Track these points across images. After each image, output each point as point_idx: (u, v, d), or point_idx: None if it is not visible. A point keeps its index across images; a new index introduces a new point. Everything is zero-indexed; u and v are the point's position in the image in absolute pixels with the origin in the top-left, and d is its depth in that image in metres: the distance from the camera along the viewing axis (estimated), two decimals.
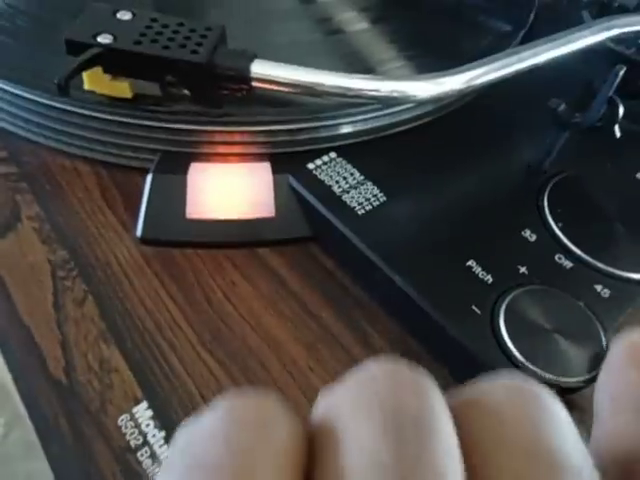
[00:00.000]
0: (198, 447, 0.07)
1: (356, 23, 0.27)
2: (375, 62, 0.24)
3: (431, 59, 0.24)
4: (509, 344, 0.16)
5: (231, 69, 0.19)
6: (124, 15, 0.19)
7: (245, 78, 0.19)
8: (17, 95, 0.22)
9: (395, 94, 0.20)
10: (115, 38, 0.18)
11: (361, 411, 0.08)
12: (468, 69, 0.21)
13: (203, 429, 0.08)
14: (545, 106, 0.21)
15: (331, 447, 0.07)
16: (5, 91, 0.22)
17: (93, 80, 0.20)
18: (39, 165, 0.23)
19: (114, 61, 0.19)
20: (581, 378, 0.16)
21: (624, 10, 0.32)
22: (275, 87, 0.20)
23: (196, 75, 0.19)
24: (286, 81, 0.19)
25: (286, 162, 0.22)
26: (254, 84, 0.19)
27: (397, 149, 0.23)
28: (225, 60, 0.19)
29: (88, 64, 0.18)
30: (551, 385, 0.16)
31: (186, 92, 0.20)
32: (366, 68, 0.24)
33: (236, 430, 0.07)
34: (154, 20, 0.19)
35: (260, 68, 0.19)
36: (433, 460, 0.07)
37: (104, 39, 0.18)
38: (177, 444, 0.08)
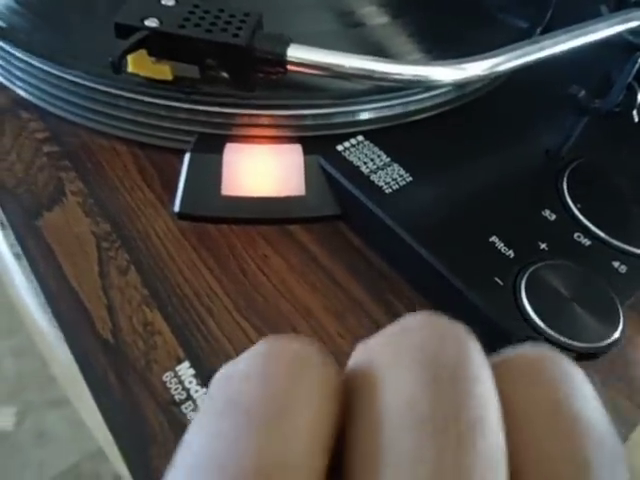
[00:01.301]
0: (235, 386, 0.07)
1: (377, 17, 0.28)
2: (395, 54, 0.25)
3: (450, 53, 0.25)
4: (530, 312, 0.17)
5: (269, 52, 0.20)
6: (168, 1, 0.21)
7: (282, 61, 0.20)
8: (59, 77, 0.23)
9: (420, 78, 0.21)
10: (161, 22, 0.20)
11: (400, 361, 0.07)
12: (490, 56, 0.22)
13: (240, 369, 0.07)
14: (564, 94, 0.22)
15: (368, 396, 0.07)
16: (48, 73, 0.23)
17: (137, 63, 0.21)
18: (80, 144, 0.24)
19: (159, 44, 0.20)
20: (598, 344, 0.17)
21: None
22: (309, 70, 0.21)
23: (235, 58, 0.20)
24: (319, 64, 0.21)
25: (316, 144, 0.23)
26: (290, 67, 0.21)
27: (422, 134, 0.24)
28: (263, 44, 0.20)
29: (137, 46, 0.19)
30: (569, 350, 0.17)
31: (224, 75, 0.21)
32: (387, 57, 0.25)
33: (274, 370, 0.07)
34: (196, 6, 0.21)
35: (296, 52, 0.20)
36: (470, 409, 0.07)
37: (151, 22, 0.19)
38: (215, 385, 0.07)
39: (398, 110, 0.24)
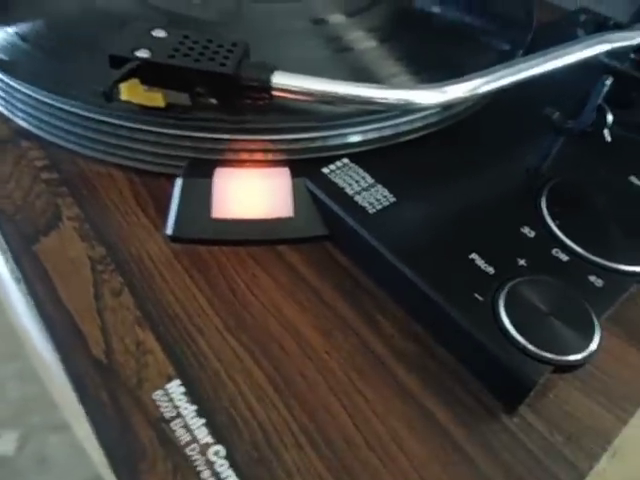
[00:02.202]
0: None
1: (364, 42, 0.29)
2: (381, 78, 0.26)
3: (434, 76, 0.26)
4: (508, 326, 0.18)
5: (254, 79, 0.21)
6: (159, 33, 0.22)
7: (266, 88, 0.21)
8: (58, 107, 0.24)
9: (402, 102, 0.22)
10: (152, 52, 0.21)
11: None
12: (470, 79, 0.23)
13: None
14: (542, 115, 0.23)
15: None
16: (47, 104, 0.24)
17: (130, 91, 0.22)
18: (77, 172, 0.25)
19: (150, 73, 0.21)
20: (574, 357, 0.17)
21: (619, 27, 0.34)
22: (293, 96, 0.22)
23: (223, 85, 0.21)
24: (303, 90, 0.22)
25: (303, 167, 0.23)
26: (274, 93, 0.22)
27: (405, 156, 0.25)
28: (249, 72, 0.21)
29: (128, 75, 0.20)
30: (547, 363, 0.17)
31: (213, 101, 0.22)
32: (372, 82, 0.26)
33: None
34: (186, 37, 0.22)
35: (280, 79, 0.21)
36: None
37: (142, 53, 0.21)
38: None
39: (383, 133, 0.25)
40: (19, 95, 0.25)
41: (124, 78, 0.20)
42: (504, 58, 0.29)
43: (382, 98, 0.22)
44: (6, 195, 0.24)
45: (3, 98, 0.27)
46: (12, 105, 0.27)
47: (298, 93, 0.22)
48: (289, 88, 0.21)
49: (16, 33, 0.27)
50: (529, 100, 0.26)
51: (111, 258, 0.22)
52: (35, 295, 0.20)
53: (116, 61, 0.20)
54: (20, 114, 0.27)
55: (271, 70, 0.21)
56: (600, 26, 0.34)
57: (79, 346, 0.19)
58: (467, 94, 0.22)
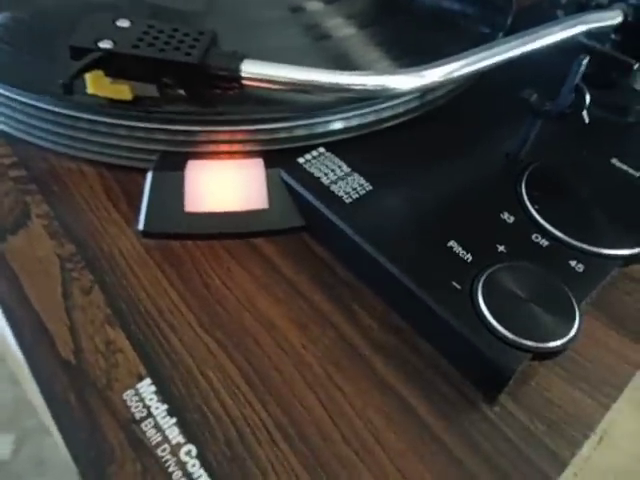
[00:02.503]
0: None
1: (343, 29, 0.28)
2: (361, 64, 0.26)
3: (415, 60, 0.26)
4: (487, 314, 0.17)
5: (222, 69, 0.20)
6: (123, 23, 0.21)
7: (236, 77, 0.21)
8: (24, 103, 0.23)
9: (378, 87, 0.21)
10: (115, 43, 0.20)
11: None
12: (447, 62, 0.22)
13: None
14: (520, 98, 0.22)
15: None
16: (13, 99, 0.24)
17: (95, 84, 0.21)
18: (47, 168, 0.25)
19: (114, 64, 0.20)
20: (554, 343, 0.17)
21: (600, 8, 0.33)
22: (264, 85, 0.21)
23: (190, 75, 0.20)
24: (274, 78, 0.21)
25: (278, 157, 0.23)
26: (244, 82, 0.21)
27: (382, 144, 0.24)
28: (217, 61, 0.20)
29: (90, 66, 0.19)
30: (525, 350, 0.17)
31: (181, 92, 0.21)
32: (352, 70, 0.25)
33: None
34: (151, 26, 0.21)
35: (250, 67, 0.21)
36: None
37: (105, 44, 0.20)
38: None
39: (359, 121, 0.24)
40: None
41: (85, 69, 0.19)
42: (484, 42, 0.28)
43: (358, 85, 0.21)
44: None
45: None
46: None
47: (269, 82, 0.21)
48: (260, 77, 0.21)
49: None
50: (509, 83, 0.25)
51: (81, 256, 0.21)
52: (2, 297, 0.20)
53: (77, 52, 0.20)
54: None
55: (240, 59, 0.21)
56: (582, 7, 0.33)
57: (46, 346, 0.18)
58: (445, 77, 0.22)
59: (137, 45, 0.20)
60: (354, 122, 0.24)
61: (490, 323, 0.17)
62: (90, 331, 0.19)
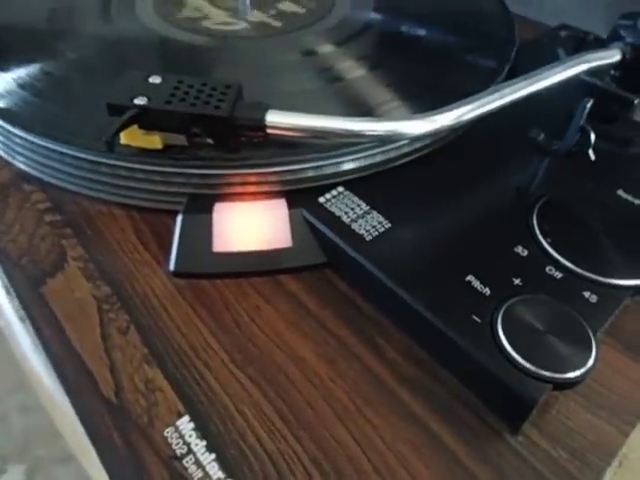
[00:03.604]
0: None
1: (354, 71, 0.30)
2: (373, 105, 0.27)
3: (425, 99, 0.27)
4: (507, 347, 0.18)
5: (249, 119, 0.22)
6: (155, 79, 0.22)
7: (261, 127, 0.22)
8: (57, 151, 0.25)
9: (393, 133, 0.23)
10: (149, 99, 0.21)
11: None
12: (457, 107, 0.24)
13: None
14: (528, 137, 0.24)
15: None
16: (47, 148, 0.25)
17: (128, 135, 0.22)
18: (80, 212, 0.26)
19: (149, 119, 0.21)
20: (573, 374, 0.18)
21: (599, 42, 0.35)
22: (287, 133, 0.22)
23: (219, 126, 0.22)
24: (296, 127, 0.22)
25: (299, 197, 0.24)
26: (269, 131, 0.22)
27: (398, 181, 0.25)
28: (243, 112, 0.22)
29: (128, 123, 0.21)
30: (547, 381, 0.18)
31: (209, 141, 0.23)
32: (365, 111, 0.27)
33: None
34: (180, 82, 0.22)
35: (273, 117, 0.22)
36: None
37: (140, 101, 0.21)
38: None
39: (375, 160, 0.25)
40: (19, 140, 0.26)
41: (125, 126, 0.20)
42: (491, 76, 0.30)
43: (372, 131, 0.23)
44: (11, 239, 0.25)
45: (3, 143, 0.28)
46: (11, 149, 0.28)
47: (291, 130, 0.22)
48: (283, 126, 0.22)
49: (13, 80, 0.28)
50: (513, 120, 0.26)
51: (116, 296, 0.22)
52: (43, 338, 0.21)
53: (114, 109, 0.21)
54: (21, 158, 0.27)
55: (265, 109, 0.22)
56: (580, 42, 0.35)
57: (89, 387, 0.19)
58: (455, 121, 0.23)
59: (170, 100, 0.21)
60: (368, 161, 0.25)
61: (511, 355, 0.18)
62: (129, 370, 0.20)
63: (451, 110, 0.23)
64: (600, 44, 0.32)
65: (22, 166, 0.27)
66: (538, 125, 0.25)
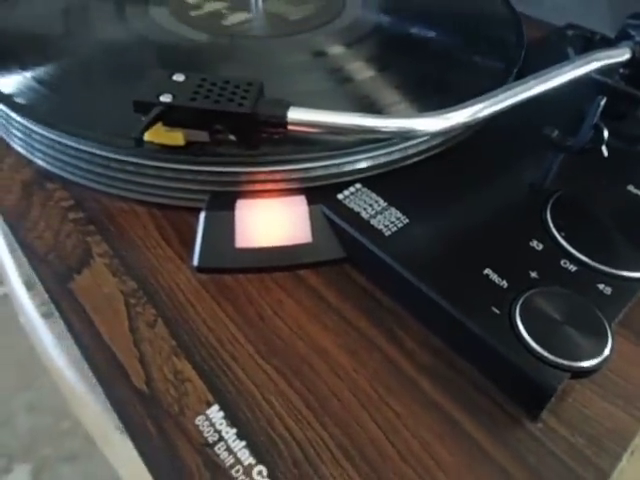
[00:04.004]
0: None
1: (364, 71, 0.30)
2: (384, 105, 0.28)
3: (435, 100, 0.28)
4: (526, 337, 0.19)
5: (271, 116, 0.22)
6: (179, 77, 0.23)
7: (283, 123, 0.23)
8: (78, 149, 0.25)
9: (407, 129, 0.23)
10: (174, 96, 0.22)
11: None
12: (470, 105, 0.24)
13: None
14: (542, 134, 0.24)
15: None
16: (68, 146, 0.26)
17: (152, 133, 0.23)
18: (102, 210, 0.27)
19: (173, 115, 0.22)
20: (590, 363, 0.18)
21: (606, 41, 0.35)
22: (308, 129, 0.23)
23: (242, 123, 0.22)
24: (316, 123, 0.23)
25: (319, 194, 0.25)
26: (290, 127, 0.23)
27: (414, 177, 0.26)
28: (266, 108, 0.22)
29: (155, 120, 0.21)
30: (566, 370, 0.18)
31: (231, 137, 0.23)
32: (376, 111, 0.27)
33: None
34: (204, 80, 0.23)
35: (294, 114, 0.23)
36: None
37: (165, 98, 0.22)
38: None
39: (392, 157, 0.26)
40: (39, 137, 0.27)
41: (152, 123, 0.21)
42: (499, 78, 0.30)
43: (389, 127, 0.23)
44: (37, 236, 0.25)
45: (24, 141, 0.28)
46: (33, 147, 0.28)
47: (311, 126, 0.23)
48: (304, 122, 0.23)
49: (33, 77, 0.28)
50: (525, 118, 0.27)
51: (143, 291, 0.23)
52: (73, 331, 0.21)
53: (141, 106, 0.22)
54: (41, 156, 0.28)
55: (286, 106, 0.23)
56: (588, 41, 0.36)
57: (120, 377, 0.20)
58: (469, 119, 0.24)
59: (194, 98, 0.22)
60: (385, 159, 0.26)
61: (530, 345, 0.19)
62: (159, 362, 0.20)
63: (465, 108, 0.24)
64: (607, 43, 0.32)
65: (43, 164, 0.28)
66: (549, 123, 0.26)
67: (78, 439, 0.87)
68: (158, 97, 0.22)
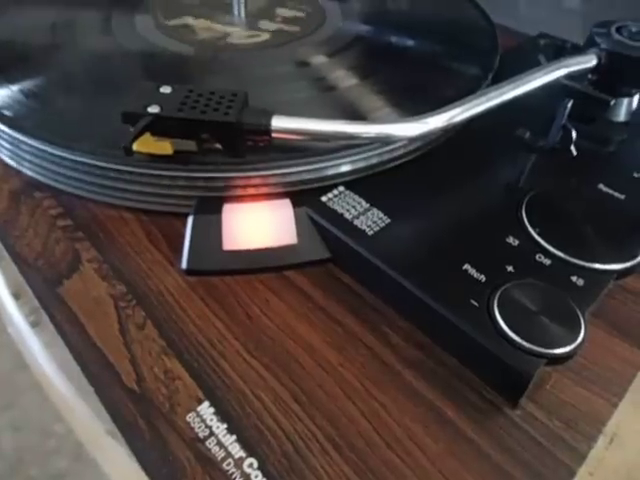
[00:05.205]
0: None
1: (346, 80, 0.31)
2: (365, 111, 0.29)
3: (414, 105, 0.29)
4: (503, 327, 0.20)
5: (256, 124, 0.23)
6: (165, 89, 0.24)
7: (267, 131, 0.23)
8: (65, 158, 0.26)
9: (387, 135, 0.24)
10: (161, 108, 0.23)
11: None
12: (447, 110, 0.25)
13: None
14: (515, 136, 0.26)
15: None
16: (55, 155, 0.26)
17: (140, 143, 0.24)
18: (90, 217, 0.27)
19: (161, 125, 0.23)
20: (565, 349, 0.19)
21: (576, 49, 0.37)
22: (291, 136, 0.24)
23: (228, 132, 0.23)
24: (299, 130, 0.24)
25: (303, 197, 0.26)
26: (274, 135, 0.24)
27: (395, 180, 0.27)
28: (250, 117, 0.23)
29: (144, 130, 0.22)
30: (541, 356, 0.19)
31: (218, 146, 0.24)
32: (358, 118, 0.28)
33: None
34: (190, 91, 0.24)
35: (278, 122, 0.24)
36: None
37: (153, 109, 0.23)
38: None
39: (372, 161, 0.27)
40: (26, 147, 0.27)
41: (141, 133, 0.22)
42: (476, 83, 0.32)
43: (369, 133, 0.24)
44: (26, 243, 0.26)
45: (12, 151, 0.29)
46: (20, 157, 0.29)
47: (295, 133, 0.24)
48: (287, 129, 0.24)
49: (19, 90, 0.29)
50: (499, 122, 0.28)
51: (132, 294, 0.23)
52: (64, 334, 0.22)
53: (129, 117, 0.23)
54: (29, 165, 0.28)
55: (270, 115, 0.23)
56: (559, 49, 0.37)
57: (112, 378, 0.20)
58: (446, 123, 0.25)
59: (181, 109, 0.23)
60: (366, 163, 0.27)
61: (507, 334, 0.20)
62: (149, 362, 0.21)
63: (442, 113, 0.25)
64: (577, 51, 0.34)
65: (31, 173, 0.29)
66: (522, 125, 0.27)
67: (65, 458, 0.85)
68: (146, 108, 0.23)
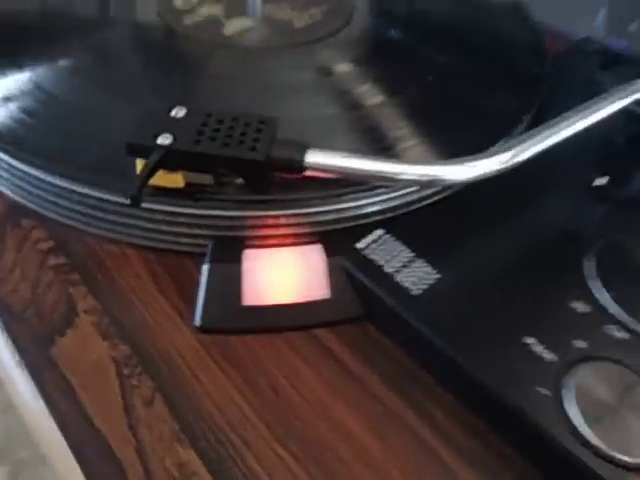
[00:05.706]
0: None
1: (373, 97, 0.27)
2: (394, 139, 0.25)
3: (459, 133, 0.25)
4: (580, 426, 0.17)
5: (287, 160, 0.19)
6: (179, 112, 0.20)
7: (300, 168, 0.20)
8: (62, 187, 0.22)
9: (432, 178, 0.21)
10: (175, 137, 0.19)
11: None
12: (499, 152, 0.21)
13: None
14: (585, 182, 0.22)
15: None
16: (48, 182, 0.22)
17: None
18: (87, 252, 0.23)
19: (174, 159, 0.19)
20: None
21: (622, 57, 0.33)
22: (326, 175, 0.20)
23: (254, 169, 0.19)
24: (336, 168, 0.20)
25: (336, 242, 0.22)
26: (308, 173, 0.20)
27: (441, 218, 0.23)
28: (281, 152, 0.19)
29: (154, 169, 0.18)
30: (622, 466, 0.16)
31: (239, 181, 0.20)
32: (385, 146, 0.24)
33: None
34: (209, 115, 0.20)
35: (313, 157, 0.20)
36: None
37: (164, 140, 0.19)
38: None
39: (414, 196, 0.23)
40: (17, 172, 0.23)
41: (151, 174, 0.18)
42: (516, 115, 0.27)
43: (412, 174, 0.21)
44: (12, 289, 0.22)
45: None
46: (5, 179, 0.25)
47: (331, 172, 0.20)
48: (322, 166, 0.20)
49: (19, 108, 0.24)
50: (552, 155, 0.24)
51: (137, 358, 0.20)
52: (58, 413, 0.18)
53: (135, 149, 0.19)
54: (17, 190, 0.24)
55: (304, 149, 0.20)
56: (612, 62, 0.33)
57: (115, 474, 0.17)
58: (499, 167, 0.21)
59: (198, 140, 0.19)
60: (407, 198, 0.23)
61: (586, 438, 0.17)
62: (159, 452, 0.18)
63: (495, 155, 0.21)
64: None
65: (18, 198, 0.25)
66: (579, 157, 0.23)
67: None
68: (156, 138, 0.19)
